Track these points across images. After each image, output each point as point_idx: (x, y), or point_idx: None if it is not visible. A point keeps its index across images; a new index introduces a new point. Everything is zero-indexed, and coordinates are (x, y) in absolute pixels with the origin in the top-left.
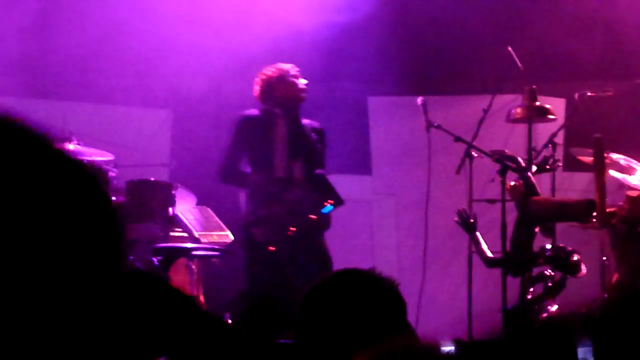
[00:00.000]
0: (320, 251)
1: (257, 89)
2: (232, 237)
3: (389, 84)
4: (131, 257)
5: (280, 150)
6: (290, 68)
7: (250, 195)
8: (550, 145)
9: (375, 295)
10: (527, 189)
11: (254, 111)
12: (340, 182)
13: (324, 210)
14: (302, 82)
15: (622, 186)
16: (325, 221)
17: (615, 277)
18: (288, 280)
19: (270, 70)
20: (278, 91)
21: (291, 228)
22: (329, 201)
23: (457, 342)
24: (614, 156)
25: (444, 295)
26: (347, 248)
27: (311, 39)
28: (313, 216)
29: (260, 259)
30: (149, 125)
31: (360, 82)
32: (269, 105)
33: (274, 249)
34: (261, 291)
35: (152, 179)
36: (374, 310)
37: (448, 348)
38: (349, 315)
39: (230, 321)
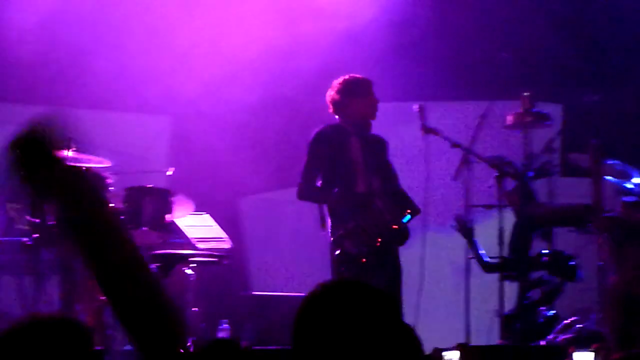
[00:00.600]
0: (396, 261)
1: (330, 103)
2: (230, 243)
3: (386, 89)
4: None
5: (358, 166)
6: (365, 82)
7: (332, 210)
8: (547, 151)
9: (372, 307)
10: (525, 195)
11: (327, 129)
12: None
13: (404, 220)
14: (375, 98)
15: (619, 191)
16: (405, 230)
17: (612, 282)
18: None
19: (342, 85)
20: (351, 108)
21: (378, 239)
22: (408, 211)
23: (461, 347)
24: (611, 161)
25: (442, 300)
26: None
27: (308, 44)
28: (395, 226)
29: (350, 271)
30: (147, 132)
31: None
32: (342, 117)
33: (365, 260)
34: None
35: (151, 185)
36: (371, 322)
37: (452, 354)
38: (346, 327)
39: (228, 326)
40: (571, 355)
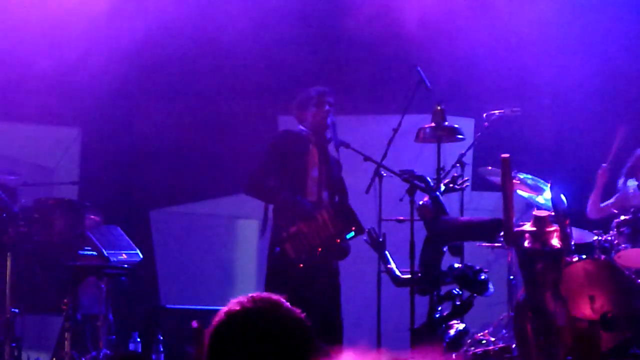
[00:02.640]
0: (334, 277)
1: (295, 110)
2: (141, 256)
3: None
4: (41, 276)
5: (312, 175)
6: (319, 92)
7: (278, 212)
8: (458, 165)
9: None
10: (436, 209)
11: (290, 132)
12: (247, 200)
13: (348, 236)
14: (330, 107)
15: (530, 206)
16: (347, 247)
17: (521, 296)
18: (304, 299)
19: (299, 96)
20: (308, 115)
21: (319, 249)
22: (352, 228)
23: None
24: (522, 176)
25: (354, 315)
26: (258, 264)
27: (222, 52)
28: (338, 240)
29: (285, 274)
30: (56, 143)
31: (271, 100)
32: (304, 127)
33: (302, 266)
34: None
35: (62, 197)
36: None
37: None
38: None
39: (139, 339)
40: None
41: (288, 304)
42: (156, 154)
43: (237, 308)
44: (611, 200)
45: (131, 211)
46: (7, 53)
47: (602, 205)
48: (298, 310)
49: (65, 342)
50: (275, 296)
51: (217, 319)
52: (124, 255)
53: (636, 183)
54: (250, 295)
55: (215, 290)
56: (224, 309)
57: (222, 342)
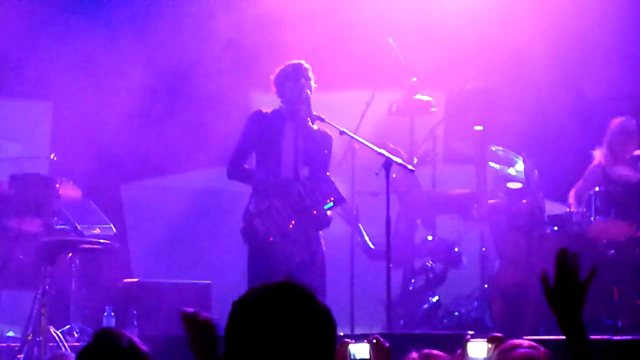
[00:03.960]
0: (317, 248)
1: (272, 86)
2: (114, 230)
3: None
4: (16, 252)
5: (287, 153)
6: (295, 67)
7: (255, 189)
8: (431, 138)
9: (309, 317)
10: (409, 182)
11: (264, 111)
12: (219, 174)
13: (326, 207)
14: (304, 83)
15: (502, 178)
16: (325, 218)
17: (494, 268)
18: (283, 273)
19: (278, 71)
20: (285, 90)
21: (291, 221)
22: (331, 198)
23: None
24: (494, 148)
25: (328, 287)
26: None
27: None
28: (315, 211)
29: (261, 250)
30: (27, 117)
31: (243, 75)
32: (282, 103)
33: (272, 239)
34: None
35: (37, 172)
36: (305, 333)
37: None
38: (278, 335)
39: (113, 314)
40: (465, 344)
41: (312, 292)
42: (128, 128)
43: (260, 295)
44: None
45: (103, 185)
46: None
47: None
48: (322, 300)
49: (42, 317)
50: (299, 285)
51: (238, 305)
52: (97, 229)
53: (608, 153)
54: (274, 282)
55: (187, 264)
56: (246, 294)
57: (243, 329)
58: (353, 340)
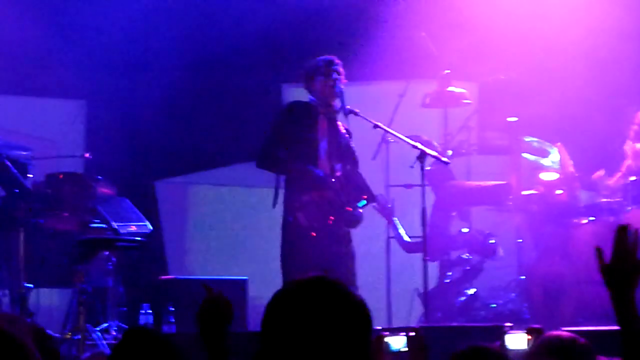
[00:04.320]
0: (349, 246)
1: (303, 80)
2: (150, 227)
3: (304, 68)
4: (53, 250)
5: (322, 146)
6: (326, 62)
7: (290, 182)
8: (464, 130)
9: (344, 310)
10: (444, 174)
11: (298, 103)
12: (252, 169)
13: (360, 204)
14: (337, 77)
15: (537, 169)
16: (359, 215)
17: (531, 259)
18: (318, 268)
19: (308, 65)
20: (316, 85)
21: (331, 217)
22: (364, 196)
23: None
24: (528, 139)
25: (364, 281)
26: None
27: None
28: (349, 208)
29: (300, 244)
30: (62, 117)
31: (275, 68)
32: (313, 97)
33: (315, 234)
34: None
35: (73, 171)
36: (341, 326)
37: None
38: (314, 329)
39: (150, 311)
40: (503, 337)
41: (346, 285)
42: (162, 125)
43: (295, 289)
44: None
45: (138, 183)
46: (11, 27)
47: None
48: (358, 294)
49: (80, 315)
50: (333, 278)
51: (274, 300)
52: (133, 227)
53: None
54: (308, 276)
55: (223, 260)
56: (284, 287)
57: (278, 324)
58: (389, 333)
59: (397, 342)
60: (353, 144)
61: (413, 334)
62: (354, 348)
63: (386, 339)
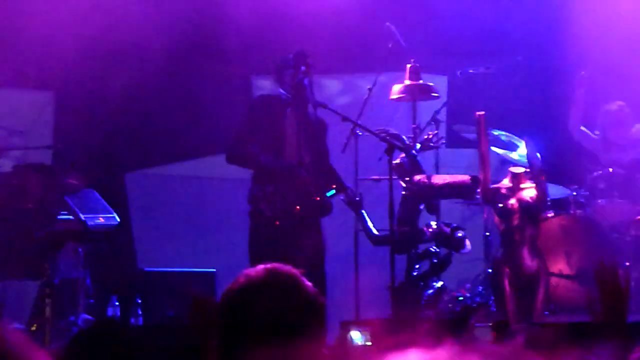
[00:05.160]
0: (318, 235)
1: (273, 74)
2: (118, 219)
3: (272, 64)
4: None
5: (290, 137)
6: (295, 55)
7: (257, 173)
8: (433, 123)
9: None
10: (412, 167)
11: (267, 96)
12: (222, 161)
13: (328, 194)
14: (306, 69)
15: (504, 162)
16: (327, 204)
17: (498, 253)
18: (288, 259)
19: (277, 59)
20: (285, 78)
21: (297, 207)
22: (333, 185)
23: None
24: (496, 132)
25: (332, 273)
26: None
27: (196, 14)
28: (317, 198)
29: (266, 233)
30: (29, 107)
31: (244, 61)
32: (282, 89)
33: (279, 223)
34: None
35: (40, 162)
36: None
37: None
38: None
39: (118, 303)
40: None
41: (303, 278)
42: (130, 117)
43: (251, 279)
44: (595, 134)
45: (107, 174)
46: None
47: (583, 129)
48: (311, 285)
49: (46, 307)
50: (290, 269)
51: (231, 288)
52: (101, 219)
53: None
54: (266, 266)
55: (192, 253)
56: (238, 279)
57: (234, 312)
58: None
59: (361, 335)
60: (325, 137)
61: (375, 326)
62: (307, 336)
63: (351, 332)
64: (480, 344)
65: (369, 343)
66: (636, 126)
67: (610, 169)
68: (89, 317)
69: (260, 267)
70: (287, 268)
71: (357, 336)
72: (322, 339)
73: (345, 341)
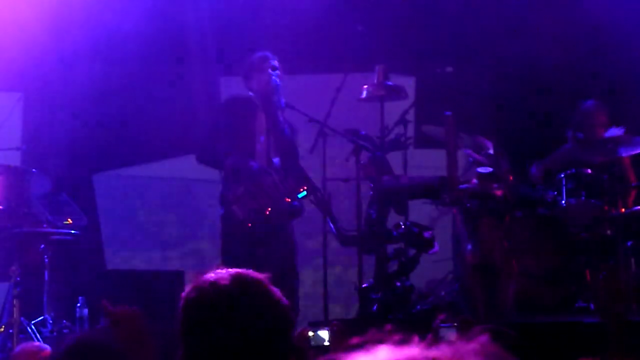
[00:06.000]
0: (289, 236)
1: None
2: (86, 220)
3: (240, 64)
4: None
5: (260, 139)
6: (261, 58)
7: (226, 175)
8: (401, 123)
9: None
10: (380, 167)
11: (236, 98)
12: (191, 162)
13: (299, 195)
14: (273, 72)
15: (473, 163)
16: (298, 206)
17: (467, 253)
18: (258, 259)
19: (245, 62)
20: (253, 81)
21: (268, 208)
22: (304, 187)
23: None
24: (464, 133)
25: (301, 274)
26: (199, 227)
27: (159, 17)
28: (288, 199)
29: (238, 236)
30: None
31: (213, 62)
32: (253, 92)
33: (251, 225)
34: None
35: (7, 164)
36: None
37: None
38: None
39: (86, 304)
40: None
41: (268, 283)
42: (98, 118)
43: (215, 285)
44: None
45: (75, 175)
46: None
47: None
48: (277, 291)
49: (14, 308)
50: (255, 274)
51: (191, 293)
52: (69, 220)
53: (577, 137)
54: (230, 271)
55: (161, 254)
56: (200, 283)
57: (196, 318)
58: (311, 328)
59: (320, 336)
60: (295, 138)
61: (335, 327)
62: (272, 344)
63: (309, 333)
64: (447, 342)
65: (328, 344)
66: (611, 129)
67: (579, 169)
68: (58, 318)
69: (226, 274)
70: (255, 276)
71: (315, 336)
72: (288, 345)
73: (304, 343)
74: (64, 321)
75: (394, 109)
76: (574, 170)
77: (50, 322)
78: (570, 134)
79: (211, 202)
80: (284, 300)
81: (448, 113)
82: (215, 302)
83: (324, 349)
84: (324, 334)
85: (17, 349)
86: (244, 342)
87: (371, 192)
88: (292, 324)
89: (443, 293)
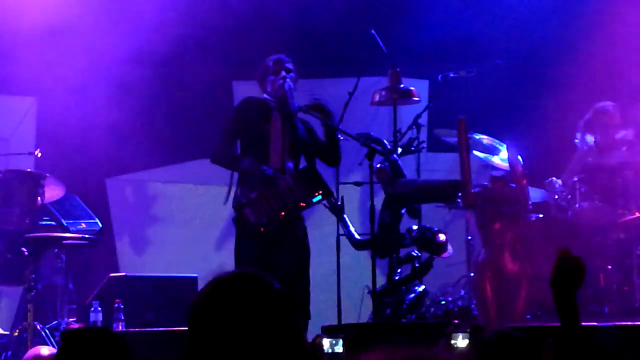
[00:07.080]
0: (302, 240)
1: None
2: (100, 225)
3: (253, 68)
4: (1, 248)
5: (275, 144)
6: (275, 61)
7: (241, 178)
8: (414, 127)
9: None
10: (393, 171)
11: (253, 99)
12: (204, 166)
13: (314, 200)
14: (286, 75)
15: (486, 166)
16: (313, 210)
17: (480, 256)
18: (271, 263)
19: (260, 66)
20: (267, 84)
21: (281, 213)
22: (319, 191)
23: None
24: (477, 136)
25: (314, 278)
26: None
27: (175, 22)
28: (302, 204)
29: (250, 239)
30: (11, 113)
31: (225, 66)
32: (268, 96)
33: (263, 230)
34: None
35: (21, 169)
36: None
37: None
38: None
39: (100, 309)
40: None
41: (271, 281)
42: (112, 122)
43: (218, 284)
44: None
45: (89, 180)
46: None
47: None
48: (280, 288)
49: (28, 313)
50: (257, 272)
51: (198, 295)
52: (83, 224)
53: (592, 138)
54: (232, 271)
55: (174, 258)
56: (205, 286)
57: (202, 319)
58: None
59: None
60: (313, 141)
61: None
62: (277, 342)
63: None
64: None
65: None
66: (622, 132)
67: (593, 173)
68: (72, 322)
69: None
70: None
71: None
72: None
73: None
74: (78, 326)
75: (407, 113)
76: (587, 174)
77: (64, 326)
78: (580, 137)
79: (225, 206)
80: (285, 294)
81: (461, 117)
82: (212, 298)
83: (338, 358)
84: (338, 341)
85: (29, 353)
86: (247, 337)
87: (384, 196)
88: (293, 319)
89: (456, 297)
